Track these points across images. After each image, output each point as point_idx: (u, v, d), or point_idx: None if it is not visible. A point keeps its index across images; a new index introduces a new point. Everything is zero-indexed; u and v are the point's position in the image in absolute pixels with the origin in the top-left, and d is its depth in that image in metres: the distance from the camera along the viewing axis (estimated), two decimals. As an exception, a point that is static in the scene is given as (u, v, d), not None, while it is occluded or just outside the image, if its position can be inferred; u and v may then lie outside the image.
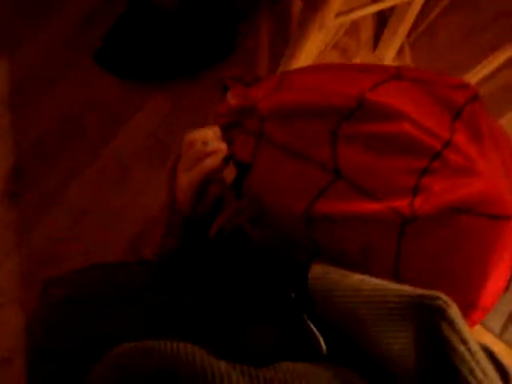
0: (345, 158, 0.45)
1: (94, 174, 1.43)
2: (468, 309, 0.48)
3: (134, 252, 1.38)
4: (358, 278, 0.43)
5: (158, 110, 1.45)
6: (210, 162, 0.58)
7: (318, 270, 0.45)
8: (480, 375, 0.35)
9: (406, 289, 0.41)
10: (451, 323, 0.37)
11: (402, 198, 0.43)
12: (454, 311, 0.38)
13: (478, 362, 0.36)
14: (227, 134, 0.60)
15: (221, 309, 0.48)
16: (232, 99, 0.58)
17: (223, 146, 0.60)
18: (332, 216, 0.45)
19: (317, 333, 0.43)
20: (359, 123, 0.46)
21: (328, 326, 0.44)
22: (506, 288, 0.51)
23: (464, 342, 0.36)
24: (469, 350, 0.36)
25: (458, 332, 0.37)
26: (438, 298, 0.38)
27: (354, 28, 1.58)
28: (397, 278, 0.46)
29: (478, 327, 1.60)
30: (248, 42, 1.50)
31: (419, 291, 0.40)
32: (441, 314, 0.37)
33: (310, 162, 0.47)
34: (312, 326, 0.44)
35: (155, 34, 1.44)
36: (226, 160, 0.62)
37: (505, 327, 1.60)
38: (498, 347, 1.60)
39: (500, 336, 1.61)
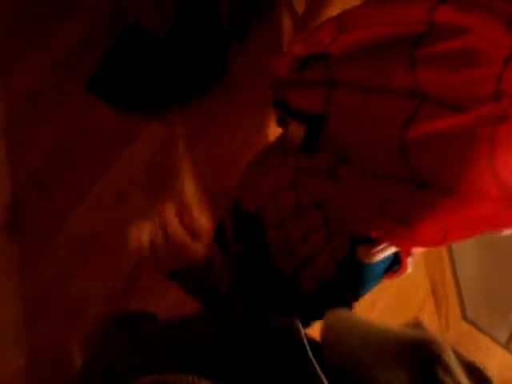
0: (424, 80, 0.47)
1: (91, 202, 1.42)
2: None
3: (135, 281, 1.38)
4: (367, 325, 0.44)
5: (154, 137, 1.45)
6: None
7: (332, 318, 0.47)
8: None
9: (407, 333, 0.42)
10: (446, 368, 0.38)
11: (487, 105, 0.46)
12: (449, 355, 0.39)
13: None
14: (281, 94, 0.60)
15: (231, 354, 0.49)
16: (298, 48, 0.58)
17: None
18: (426, 138, 0.47)
19: (321, 375, 0.43)
20: (431, 45, 0.48)
21: (332, 369, 0.45)
22: None
23: None
24: None
25: (452, 375, 0.38)
26: (434, 343, 0.40)
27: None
28: (495, 184, 0.47)
29: (484, 338, 1.60)
30: (239, 64, 1.51)
31: (417, 335, 0.41)
32: (436, 358, 0.39)
33: (391, 92, 0.49)
34: (317, 368, 0.44)
35: (147, 63, 1.44)
36: (281, 121, 0.62)
37: (511, 337, 1.60)
38: (505, 357, 1.59)
39: (506, 346, 1.61)
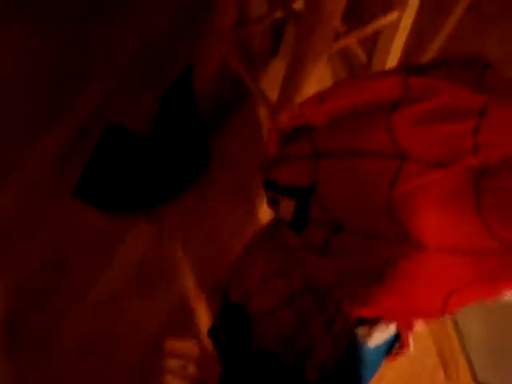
0: (403, 141, 0.49)
1: (86, 311, 1.40)
2: None
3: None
4: None
5: (143, 237, 1.45)
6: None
7: None
8: None
9: None
10: None
11: (467, 158, 0.47)
12: None
13: None
14: (269, 174, 0.61)
15: None
16: (285, 122, 0.60)
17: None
18: (411, 195, 0.48)
19: None
20: (407, 107, 0.50)
21: None
22: None
23: None
24: None
25: None
26: None
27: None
28: (486, 232, 0.48)
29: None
30: (219, 155, 1.53)
31: None
32: None
33: (373, 156, 0.50)
34: None
35: (130, 163, 1.47)
36: (272, 201, 0.61)
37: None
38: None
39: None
